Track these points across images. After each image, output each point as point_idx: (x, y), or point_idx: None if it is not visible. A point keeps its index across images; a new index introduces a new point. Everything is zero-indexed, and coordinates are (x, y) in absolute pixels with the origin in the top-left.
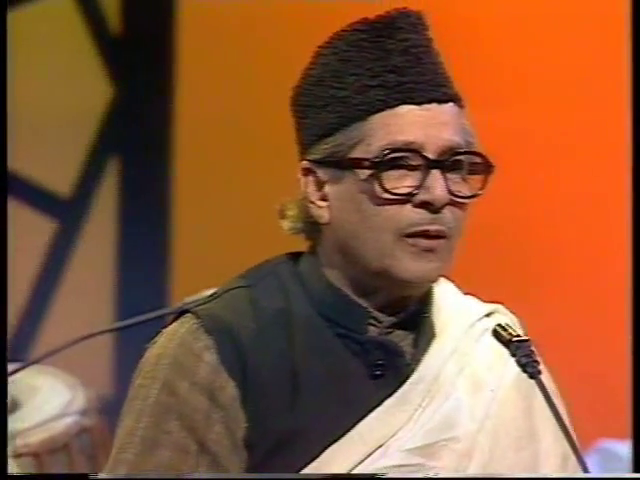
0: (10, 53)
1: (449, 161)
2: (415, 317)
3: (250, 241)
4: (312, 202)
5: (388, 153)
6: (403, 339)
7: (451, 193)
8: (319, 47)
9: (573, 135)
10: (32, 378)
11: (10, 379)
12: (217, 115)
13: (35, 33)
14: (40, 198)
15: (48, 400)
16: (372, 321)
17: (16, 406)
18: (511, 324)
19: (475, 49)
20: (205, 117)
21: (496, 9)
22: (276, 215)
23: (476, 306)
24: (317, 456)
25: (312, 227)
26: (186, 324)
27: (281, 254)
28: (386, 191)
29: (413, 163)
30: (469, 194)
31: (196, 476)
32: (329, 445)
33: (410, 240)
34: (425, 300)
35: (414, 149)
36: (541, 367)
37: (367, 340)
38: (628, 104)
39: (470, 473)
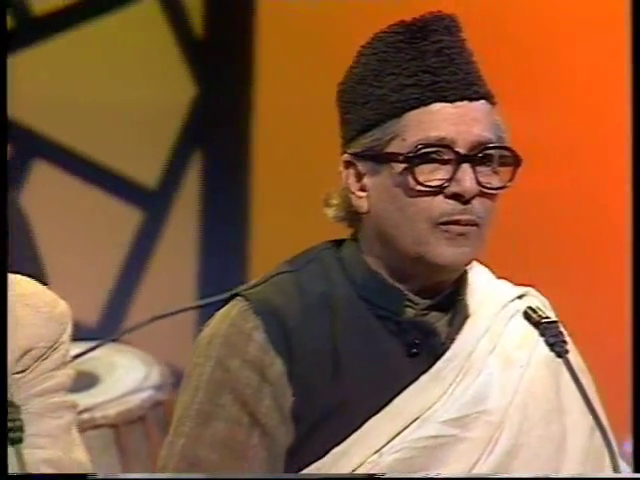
0: (104, 55)
1: (479, 155)
2: (450, 299)
3: (327, 229)
4: (352, 192)
5: (421, 148)
6: (438, 320)
7: (480, 185)
8: (361, 47)
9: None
10: (112, 356)
11: (91, 355)
12: (294, 110)
13: (126, 36)
14: (129, 190)
15: (126, 376)
16: (409, 303)
17: (96, 381)
18: (541, 306)
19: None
20: (282, 112)
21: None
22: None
23: (508, 289)
24: (358, 428)
25: (353, 216)
26: (237, 306)
27: (324, 241)
28: (419, 183)
29: (445, 157)
30: (498, 185)
31: (195, 476)
32: (369, 417)
33: (443, 227)
34: (459, 283)
35: (446, 144)
36: (568, 347)
37: (404, 321)
38: (628, 104)
39: (501, 444)
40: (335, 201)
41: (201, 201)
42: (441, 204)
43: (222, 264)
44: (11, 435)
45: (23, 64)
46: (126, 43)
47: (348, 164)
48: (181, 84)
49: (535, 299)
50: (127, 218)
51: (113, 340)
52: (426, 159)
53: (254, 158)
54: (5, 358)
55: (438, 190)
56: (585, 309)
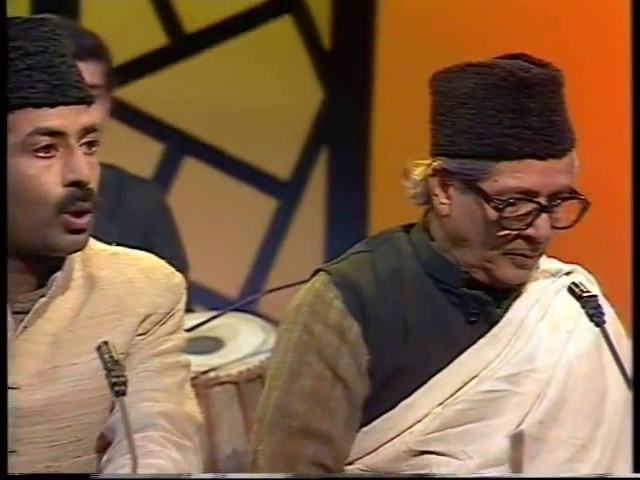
0: (246, 65)
1: (556, 201)
2: None
3: None
4: (436, 195)
5: (511, 197)
6: (497, 293)
7: (552, 227)
8: (468, 65)
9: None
10: (236, 323)
11: (218, 323)
12: (412, 112)
13: (265, 49)
14: (265, 181)
15: (247, 340)
16: (470, 279)
17: (222, 345)
18: (585, 282)
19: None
20: (401, 114)
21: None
22: None
23: (557, 266)
24: (424, 383)
25: (428, 199)
26: (320, 279)
27: (396, 225)
28: (504, 227)
29: (529, 206)
30: (566, 225)
31: (195, 476)
32: (434, 375)
33: (511, 256)
34: None
35: (531, 197)
36: (606, 318)
37: (465, 294)
38: (628, 102)
39: (549, 398)
40: (418, 190)
41: (327, 191)
42: (516, 240)
43: (345, 246)
44: (116, 388)
45: (177, 75)
46: (265, 55)
47: (436, 172)
48: (311, 90)
49: (581, 275)
50: (263, 206)
51: (237, 309)
52: (513, 204)
53: (374, 155)
54: (5, 355)
55: (517, 231)
56: None
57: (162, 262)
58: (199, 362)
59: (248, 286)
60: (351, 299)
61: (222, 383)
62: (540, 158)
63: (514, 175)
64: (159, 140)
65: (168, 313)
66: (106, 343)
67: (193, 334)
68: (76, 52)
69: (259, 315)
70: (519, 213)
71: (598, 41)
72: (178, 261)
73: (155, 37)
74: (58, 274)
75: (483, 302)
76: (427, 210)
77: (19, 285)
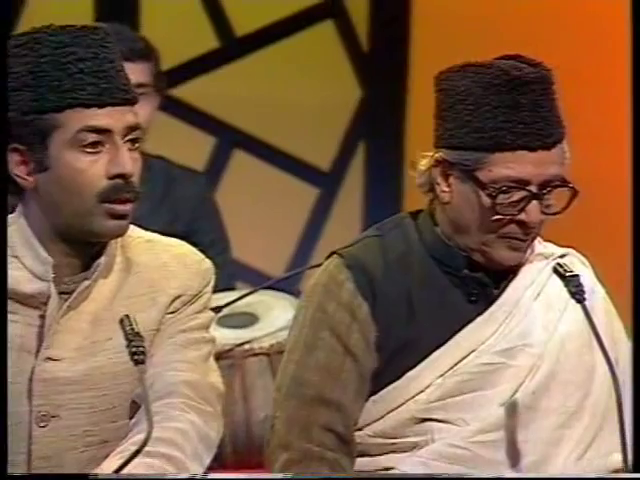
0: (290, 65)
1: (547, 189)
2: None
3: None
4: (437, 184)
5: (504, 185)
6: (494, 274)
7: (543, 213)
8: (467, 65)
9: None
10: (270, 300)
11: (253, 300)
12: None
13: (308, 51)
14: (307, 172)
15: (279, 316)
16: (469, 262)
17: (256, 320)
18: (576, 264)
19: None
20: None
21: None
22: None
23: (551, 249)
24: (427, 357)
25: (432, 188)
26: (333, 262)
27: (404, 212)
28: (498, 213)
29: (521, 193)
30: (556, 211)
31: (175, 476)
32: (436, 349)
33: (506, 240)
34: None
35: (522, 185)
36: (586, 296)
37: (466, 276)
38: (628, 101)
39: (541, 370)
40: (422, 180)
41: (364, 181)
42: (510, 225)
43: None
44: (135, 357)
45: (228, 75)
46: (308, 56)
47: (438, 163)
48: (350, 88)
49: (574, 257)
50: (306, 194)
51: (271, 288)
52: (506, 192)
53: (408, 149)
54: (5, 355)
55: (510, 217)
56: None
57: (193, 249)
58: (236, 335)
59: (292, 267)
60: (361, 280)
61: (256, 354)
62: (531, 150)
63: (507, 165)
64: (211, 134)
65: (196, 295)
66: (127, 317)
67: (231, 310)
68: (127, 54)
69: (291, 293)
70: (512, 200)
71: (604, 40)
72: (221, 243)
73: (208, 41)
74: (101, 259)
75: (483, 283)
76: (432, 198)
77: (65, 268)
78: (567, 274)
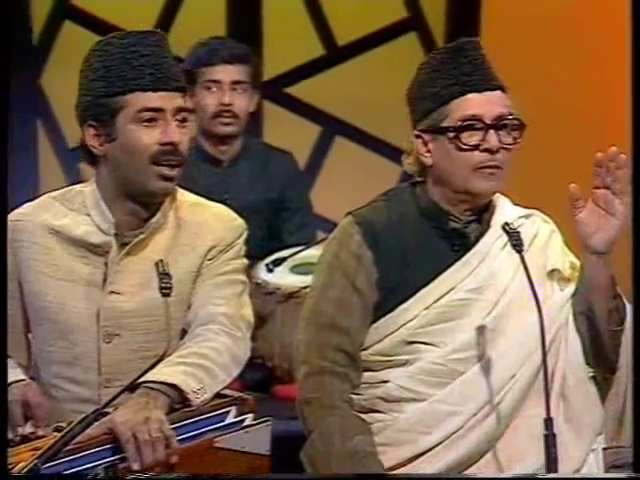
0: (381, 70)
1: (499, 124)
2: (480, 217)
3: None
4: (421, 154)
5: (463, 122)
6: (473, 230)
7: (501, 142)
8: (421, 64)
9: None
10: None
11: (316, 251)
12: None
13: (394, 58)
14: (392, 152)
15: None
16: (454, 219)
17: (311, 270)
18: (514, 222)
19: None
20: None
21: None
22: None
23: (517, 210)
24: (415, 294)
25: (421, 169)
26: (347, 220)
27: (407, 182)
28: (463, 144)
29: (478, 127)
30: (512, 142)
31: (169, 477)
32: (422, 288)
33: (480, 170)
34: (488, 207)
35: (478, 119)
36: (524, 248)
37: (450, 229)
38: (629, 101)
39: (502, 302)
40: (410, 160)
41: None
42: (478, 156)
43: None
44: (163, 291)
45: (331, 77)
46: (395, 63)
47: (417, 137)
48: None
49: (538, 217)
50: (392, 171)
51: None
52: (466, 129)
53: None
54: (5, 357)
55: (475, 147)
56: None
57: (229, 210)
58: (301, 280)
59: None
60: (367, 234)
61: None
62: (478, 91)
63: (462, 107)
64: (317, 123)
65: (229, 244)
66: (161, 261)
67: (301, 260)
68: (226, 58)
69: None
70: (473, 136)
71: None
72: (305, 207)
73: (315, 49)
74: (154, 219)
75: (463, 236)
76: (425, 172)
77: (126, 225)
78: (510, 230)
